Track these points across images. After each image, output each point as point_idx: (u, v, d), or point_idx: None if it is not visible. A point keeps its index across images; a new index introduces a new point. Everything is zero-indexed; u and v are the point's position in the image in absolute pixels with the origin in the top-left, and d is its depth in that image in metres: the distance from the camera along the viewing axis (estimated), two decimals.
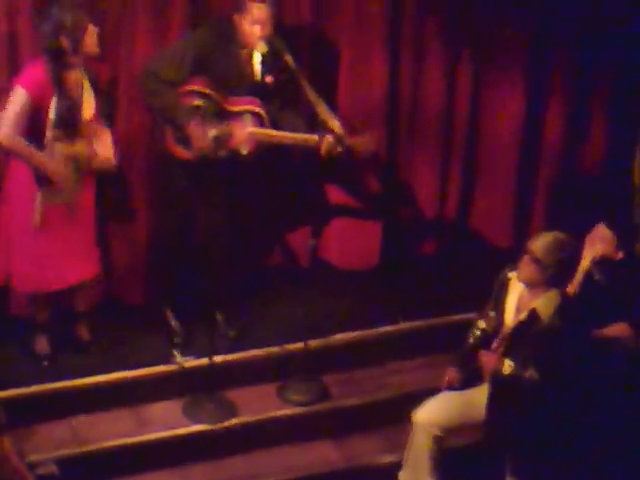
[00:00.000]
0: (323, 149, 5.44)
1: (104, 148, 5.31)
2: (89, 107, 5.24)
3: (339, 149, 5.44)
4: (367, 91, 6.24)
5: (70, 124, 5.18)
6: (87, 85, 5.23)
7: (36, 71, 5.13)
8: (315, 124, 5.49)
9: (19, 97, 5.10)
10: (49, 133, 5.15)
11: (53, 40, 5.07)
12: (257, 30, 5.41)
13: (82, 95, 5.22)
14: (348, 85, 6.21)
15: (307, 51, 6.03)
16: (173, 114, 5.40)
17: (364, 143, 5.59)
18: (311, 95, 5.40)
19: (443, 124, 6.47)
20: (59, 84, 5.12)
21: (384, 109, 6.29)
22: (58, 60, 5.09)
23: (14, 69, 5.38)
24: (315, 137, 5.46)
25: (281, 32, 5.59)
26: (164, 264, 5.85)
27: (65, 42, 5.08)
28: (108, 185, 5.60)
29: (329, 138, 5.42)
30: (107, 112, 5.39)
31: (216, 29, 5.51)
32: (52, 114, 5.12)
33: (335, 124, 5.40)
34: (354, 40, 6.14)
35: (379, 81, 6.24)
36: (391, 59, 6.23)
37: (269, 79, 5.57)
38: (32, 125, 5.15)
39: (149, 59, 5.51)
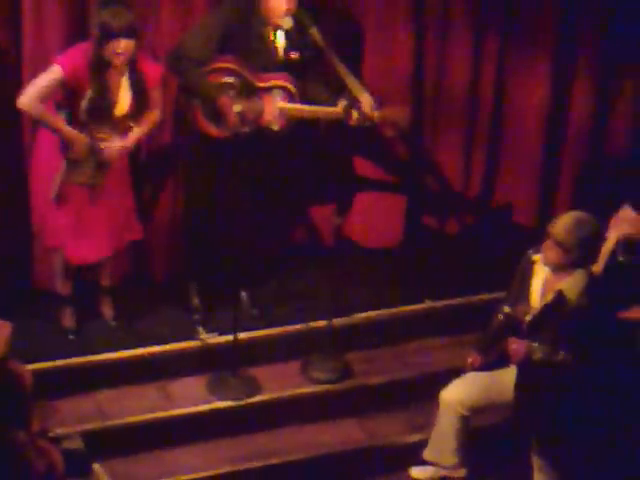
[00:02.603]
0: (354, 120, 5.42)
1: (135, 133, 5.32)
2: (123, 104, 5.24)
3: (370, 121, 5.42)
4: (392, 69, 6.23)
5: (102, 115, 5.19)
6: (125, 83, 5.22)
7: (77, 54, 5.13)
8: (344, 97, 5.48)
9: (52, 73, 5.10)
10: (80, 118, 5.16)
11: (93, 28, 5.10)
12: (283, 4, 5.39)
13: (118, 92, 5.22)
14: (373, 63, 6.19)
15: (332, 28, 6.00)
16: (203, 91, 5.39)
17: (396, 114, 5.56)
18: (340, 68, 5.38)
19: (468, 103, 6.45)
20: (94, 76, 5.11)
21: (409, 87, 6.28)
22: (97, 51, 5.09)
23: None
24: (347, 109, 5.42)
25: (307, 6, 5.58)
26: (190, 241, 5.85)
27: (95, 38, 5.09)
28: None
29: (360, 109, 5.39)
30: (143, 109, 5.36)
31: (240, 6, 5.48)
32: (84, 104, 5.13)
33: (365, 97, 5.38)
34: (379, 18, 6.11)
35: (404, 59, 6.22)
36: (416, 37, 6.22)
37: (294, 55, 5.55)
38: (67, 108, 5.16)
39: (177, 40, 5.51)
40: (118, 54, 5.09)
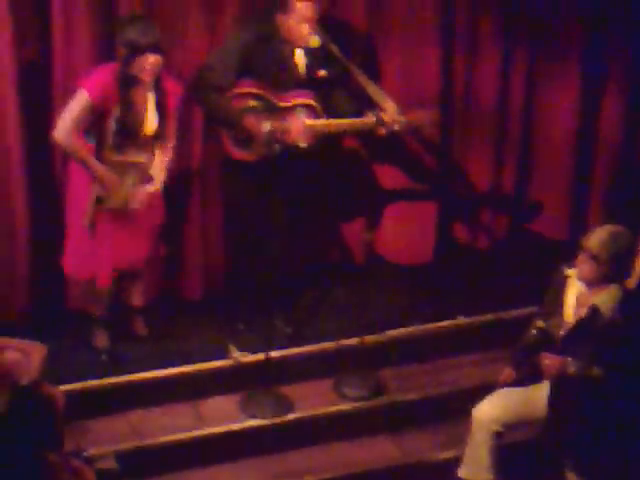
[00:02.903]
0: (381, 129, 5.42)
1: (158, 166, 5.35)
2: (151, 123, 5.26)
3: (397, 126, 5.42)
4: (420, 84, 6.23)
5: (130, 135, 5.22)
6: (152, 101, 5.25)
7: (103, 76, 5.16)
8: (368, 108, 5.48)
9: (81, 99, 5.12)
10: (109, 140, 5.19)
11: (119, 48, 5.12)
12: (305, 28, 5.41)
13: (146, 110, 5.24)
14: (401, 79, 6.18)
15: (360, 45, 6.03)
16: (227, 117, 5.44)
17: (422, 117, 5.56)
18: (362, 79, 5.39)
19: (497, 117, 6.44)
20: (124, 95, 5.15)
21: (438, 103, 6.26)
22: (123, 71, 5.12)
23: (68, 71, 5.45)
24: (371, 118, 5.45)
25: (332, 26, 5.60)
26: (229, 261, 5.90)
27: (122, 54, 5.11)
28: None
29: (385, 117, 5.40)
30: (173, 129, 5.40)
31: (258, 28, 5.51)
32: (113, 122, 5.16)
33: (389, 104, 5.39)
34: (406, 36, 6.11)
35: (433, 75, 6.22)
36: (444, 52, 6.22)
37: (322, 72, 5.56)
38: (94, 128, 5.19)
39: (203, 58, 5.54)
40: (146, 70, 5.12)
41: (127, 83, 5.16)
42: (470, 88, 6.36)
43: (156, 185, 5.36)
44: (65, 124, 5.13)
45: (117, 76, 5.14)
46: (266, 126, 5.43)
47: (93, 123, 5.21)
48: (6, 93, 5.37)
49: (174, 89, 5.34)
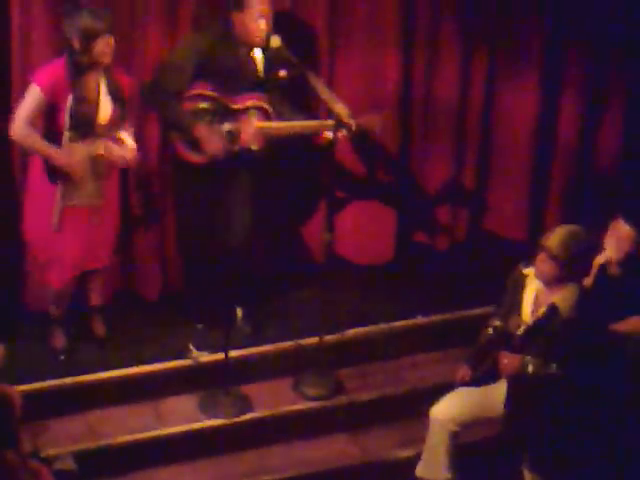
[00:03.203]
0: (332, 134, 5.43)
1: (121, 149, 5.32)
2: (105, 110, 5.24)
3: (348, 130, 5.43)
4: (380, 84, 6.25)
5: (85, 125, 5.19)
6: (104, 89, 5.22)
7: (52, 70, 5.14)
8: (316, 113, 5.49)
9: (33, 94, 5.11)
10: (65, 133, 5.16)
11: (69, 41, 5.09)
12: (262, 24, 5.41)
13: (98, 98, 5.22)
14: (360, 78, 6.20)
15: (316, 46, 6.05)
16: (179, 121, 5.44)
17: (372, 121, 5.58)
18: (314, 82, 5.41)
19: (457, 117, 6.47)
20: (75, 85, 5.13)
21: (397, 102, 6.29)
22: (72, 61, 5.11)
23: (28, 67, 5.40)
24: (327, 122, 5.46)
25: (289, 25, 5.63)
26: (185, 261, 5.90)
27: (77, 44, 5.08)
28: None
29: (337, 120, 5.40)
30: (125, 117, 5.38)
31: (213, 30, 5.52)
32: (67, 117, 5.13)
33: (341, 108, 5.40)
34: (367, 36, 6.13)
35: (392, 73, 6.24)
36: (404, 53, 6.24)
37: (282, 73, 5.57)
38: (49, 125, 5.18)
39: (152, 75, 5.55)
40: (107, 53, 5.12)
41: (79, 72, 5.13)
42: (430, 89, 6.39)
43: (126, 155, 5.33)
44: (19, 119, 5.11)
45: (68, 67, 5.11)
46: (225, 126, 5.43)
47: (47, 120, 5.18)
48: None
49: (122, 77, 5.32)
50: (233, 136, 5.50)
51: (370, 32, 6.13)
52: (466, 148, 6.55)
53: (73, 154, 5.18)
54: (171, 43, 5.68)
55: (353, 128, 5.42)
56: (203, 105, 5.47)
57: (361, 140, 5.67)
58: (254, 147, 5.52)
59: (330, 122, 5.42)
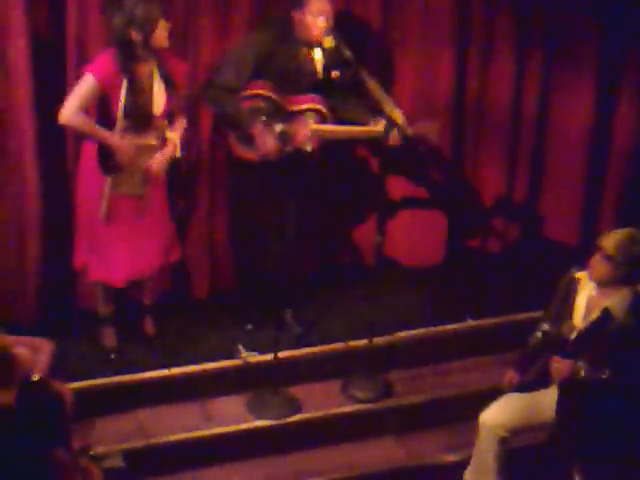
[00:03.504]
0: (387, 139, 5.42)
1: (173, 140, 5.33)
2: (159, 100, 5.25)
3: (403, 137, 5.42)
4: (433, 87, 6.23)
5: (139, 116, 5.19)
6: (158, 78, 5.24)
7: (106, 60, 5.14)
8: (377, 115, 5.47)
9: (86, 83, 5.12)
10: (119, 124, 5.16)
11: (123, 32, 5.09)
12: (321, 22, 5.40)
13: (152, 88, 5.23)
14: (414, 81, 6.19)
15: (373, 45, 6.03)
16: (236, 118, 5.45)
17: (428, 128, 5.56)
18: (372, 86, 5.39)
19: (510, 121, 6.44)
20: (129, 75, 5.13)
21: (450, 106, 6.28)
22: (128, 52, 5.11)
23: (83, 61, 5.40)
24: (379, 128, 5.44)
25: (346, 26, 5.60)
26: (236, 259, 5.91)
27: (135, 35, 5.09)
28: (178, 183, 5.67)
29: (392, 127, 5.39)
30: (182, 106, 5.39)
31: (274, 29, 5.51)
32: (121, 105, 5.14)
33: (397, 114, 5.38)
34: (421, 38, 6.11)
35: (445, 77, 6.22)
36: (458, 56, 6.21)
37: (335, 74, 5.55)
38: (102, 116, 5.19)
39: (215, 59, 5.55)
40: (165, 37, 5.14)
41: (133, 61, 5.14)
42: (483, 92, 6.36)
43: (165, 152, 5.33)
44: (70, 105, 5.11)
45: (121, 57, 5.11)
46: (279, 127, 5.43)
47: (100, 111, 5.19)
48: (19, 90, 5.39)
49: (178, 64, 5.32)
50: (287, 137, 5.50)
51: (424, 31, 6.10)
52: (519, 152, 6.52)
53: (125, 138, 5.19)
54: (224, 42, 5.69)
55: (409, 134, 5.41)
56: (260, 104, 5.47)
57: (414, 144, 5.63)
58: (308, 148, 5.52)
59: (385, 129, 5.39)
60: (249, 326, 5.87)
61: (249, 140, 5.46)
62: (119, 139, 5.17)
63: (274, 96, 5.48)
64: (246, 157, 5.53)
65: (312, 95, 5.55)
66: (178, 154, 5.36)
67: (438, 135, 5.59)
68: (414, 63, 6.17)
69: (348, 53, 5.37)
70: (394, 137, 5.40)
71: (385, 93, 5.44)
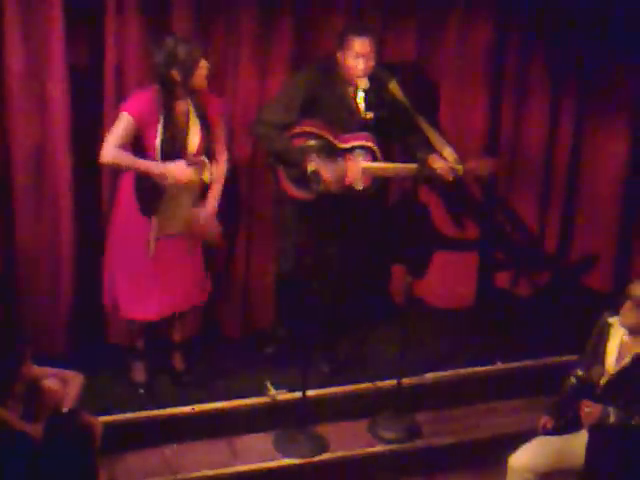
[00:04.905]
0: (441, 175, 5.43)
1: (218, 177, 5.37)
2: (195, 138, 5.28)
3: (454, 175, 5.43)
4: (467, 129, 6.25)
5: (175, 153, 5.23)
6: (193, 116, 5.29)
7: (142, 98, 5.18)
8: (430, 153, 5.49)
9: (123, 121, 5.15)
10: (157, 160, 5.18)
11: (164, 71, 5.13)
12: (360, 64, 5.45)
13: (188, 125, 5.27)
14: (448, 122, 6.21)
15: (408, 86, 6.06)
16: (288, 155, 5.47)
17: (481, 166, 5.56)
18: (421, 123, 5.40)
19: (544, 164, 6.44)
20: (166, 113, 5.18)
21: (484, 148, 6.28)
22: (167, 90, 5.16)
23: (120, 99, 5.46)
24: (438, 164, 5.45)
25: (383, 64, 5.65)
26: (281, 296, 5.94)
27: (176, 74, 5.13)
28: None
29: (444, 164, 5.42)
30: (222, 143, 5.41)
31: (320, 69, 5.56)
32: (158, 142, 5.18)
33: (449, 151, 5.40)
34: (456, 78, 6.15)
35: (479, 120, 6.24)
36: (492, 99, 6.24)
37: (369, 115, 5.58)
38: (138, 154, 5.19)
39: (254, 98, 5.60)
40: (204, 77, 5.18)
41: (172, 100, 5.18)
42: (517, 135, 6.37)
43: (209, 206, 5.37)
44: (108, 144, 5.13)
45: (161, 95, 5.15)
46: (311, 165, 5.43)
47: (137, 149, 5.21)
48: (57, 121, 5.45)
49: (214, 103, 5.35)
50: (339, 175, 5.52)
51: (459, 74, 6.14)
52: (552, 194, 6.52)
53: (168, 165, 5.20)
54: (262, 80, 5.75)
55: (460, 172, 5.42)
56: (310, 142, 5.51)
57: (446, 183, 5.63)
58: (359, 187, 5.53)
59: (437, 166, 5.43)
60: (280, 363, 5.85)
61: (301, 179, 5.48)
62: (162, 165, 5.17)
63: (324, 134, 5.51)
64: (297, 196, 5.56)
65: (361, 133, 5.57)
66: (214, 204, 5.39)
67: (490, 173, 5.59)
68: (448, 105, 6.20)
69: (396, 89, 5.39)
70: (447, 174, 5.41)
71: (435, 130, 5.46)
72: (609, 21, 6.20)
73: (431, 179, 5.58)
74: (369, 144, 5.55)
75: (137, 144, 5.22)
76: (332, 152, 5.53)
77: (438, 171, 5.46)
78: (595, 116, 6.42)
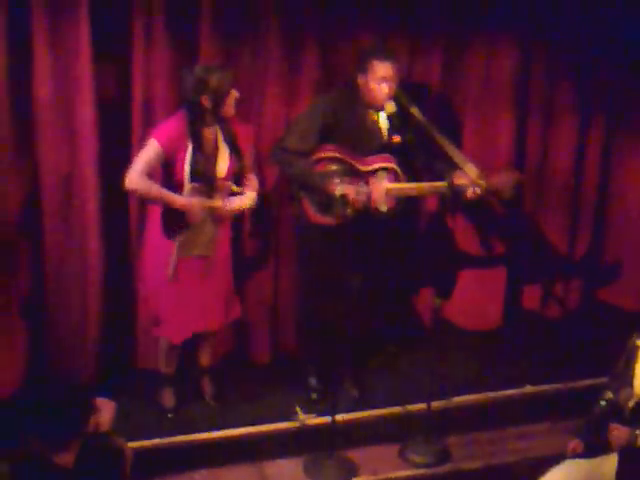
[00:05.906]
0: (466, 193, 5.43)
1: (239, 200, 5.39)
2: (223, 164, 5.31)
3: (478, 190, 5.42)
4: (493, 151, 6.25)
5: (204, 179, 5.25)
6: (222, 142, 5.32)
7: (171, 126, 5.22)
8: (452, 171, 5.47)
9: (150, 148, 5.18)
10: (186, 187, 5.22)
11: (195, 98, 5.16)
12: (384, 88, 5.46)
13: (217, 151, 5.30)
14: (473, 145, 6.22)
15: (433, 109, 6.08)
16: (310, 180, 5.48)
17: (504, 180, 5.56)
18: (443, 142, 5.40)
19: (572, 185, 6.43)
20: (195, 140, 5.21)
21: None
22: (197, 117, 5.19)
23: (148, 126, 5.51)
24: (464, 180, 5.42)
25: (407, 88, 5.65)
26: (307, 323, 5.91)
27: (206, 101, 5.17)
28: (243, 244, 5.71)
29: (467, 180, 5.40)
30: (250, 168, 5.44)
31: (340, 95, 5.57)
32: (187, 168, 5.20)
33: (471, 168, 5.40)
34: (481, 101, 6.16)
35: (505, 142, 6.25)
36: (519, 120, 6.24)
37: (396, 138, 5.58)
38: (166, 180, 5.24)
39: (281, 122, 5.62)
40: (233, 106, 5.22)
41: (201, 126, 5.21)
42: (545, 156, 6.37)
43: (250, 199, 5.40)
44: (135, 170, 5.15)
45: (190, 122, 5.18)
46: (339, 189, 5.45)
47: (165, 176, 5.25)
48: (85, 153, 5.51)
49: (242, 129, 5.38)
50: (364, 198, 5.53)
51: (484, 97, 6.15)
52: (580, 216, 6.51)
53: (192, 199, 5.25)
54: (289, 106, 5.78)
55: (483, 188, 5.42)
56: (332, 167, 5.52)
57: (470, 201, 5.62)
58: (383, 209, 5.54)
59: (462, 184, 5.41)
60: (313, 395, 5.86)
61: (327, 205, 5.49)
62: (185, 198, 5.23)
63: (345, 158, 5.52)
64: (321, 222, 5.57)
65: (382, 154, 5.58)
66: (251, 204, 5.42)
67: (514, 187, 5.59)
68: (474, 127, 6.21)
69: (417, 112, 5.39)
70: (470, 190, 5.42)
71: (456, 149, 5.46)
72: (637, 43, 6.20)
73: (456, 196, 5.56)
74: (391, 165, 5.56)
75: (166, 170, 5.26)
76: (355, 175, 5.54)
77: (462, 187, 5.45)
78: (624, 136, 6.41)
